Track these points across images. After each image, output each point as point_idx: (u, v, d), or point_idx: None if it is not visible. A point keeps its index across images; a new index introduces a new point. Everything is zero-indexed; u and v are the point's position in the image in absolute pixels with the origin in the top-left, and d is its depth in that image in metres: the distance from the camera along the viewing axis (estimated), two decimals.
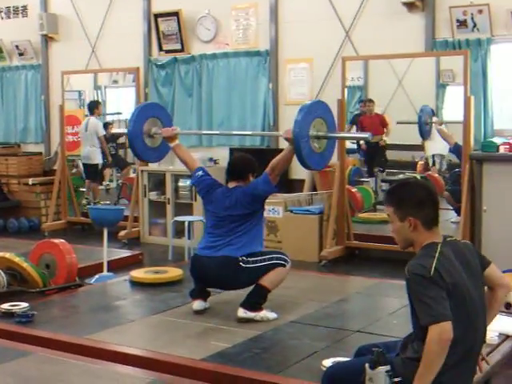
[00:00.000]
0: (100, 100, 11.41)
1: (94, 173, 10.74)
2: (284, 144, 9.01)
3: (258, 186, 5.39)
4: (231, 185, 5.55)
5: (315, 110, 5.24)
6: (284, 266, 5.36)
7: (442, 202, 7.95)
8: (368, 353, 3.27)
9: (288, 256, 5.49)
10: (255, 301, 5.31)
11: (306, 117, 5.11)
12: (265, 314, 5.31)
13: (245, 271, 5.29)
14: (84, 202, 10.64)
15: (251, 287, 5.36)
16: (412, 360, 3.11)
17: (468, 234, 7.30)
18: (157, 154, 6.12)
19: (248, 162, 5.65)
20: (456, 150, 7.99)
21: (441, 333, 2.98)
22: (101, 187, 11.22)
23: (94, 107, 10.59)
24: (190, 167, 5.81)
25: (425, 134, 8.77)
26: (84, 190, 11.03)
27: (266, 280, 5.30)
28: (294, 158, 5.28)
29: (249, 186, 5.47)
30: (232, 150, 9.34)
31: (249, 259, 5.30)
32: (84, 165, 10.75)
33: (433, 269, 3.04)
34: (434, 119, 8.68)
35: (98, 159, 10.60)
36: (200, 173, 5.71)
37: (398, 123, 8.99)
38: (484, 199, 7.27)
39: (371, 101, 9.11)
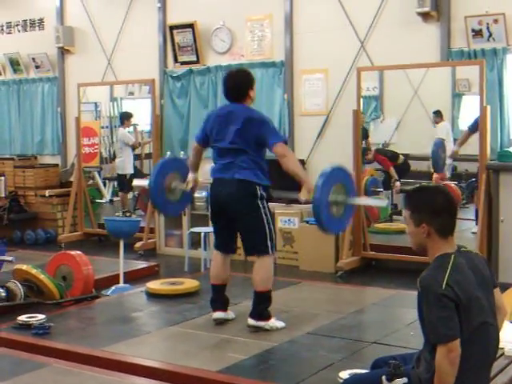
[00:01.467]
0: (116, 111, 11.47)
1: (122, 183, 10.81)
2: (300, 155, 9.06)
3: (265, 137, 5.23)
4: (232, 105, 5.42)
5: (336, 175, 5.24)
6: (267, 252, 5.27)
7: (461, 212, 7.94)
8: (385, 365, 3.24)
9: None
10: (261, 309, 5.32)
11: (327, 182, 5.12)
12: (273, 323, 5.32)
13: (256, 210, 5.24)
14: (119, 213, 10.65)
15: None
16: (427, 373, 3.09)
17: (485, 244, 7.26)
18: (176, 208, 6.11)
19: (245, 78, 5.43)
20: (474, 125, 7.91)
21: (447, 353, 2.98)
22: (117, 199, 11.26)
23: (124, 118, 10.66)
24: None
25: (439, 167, 8.75)
26: (102, 201, 11.08)
27: (259, 283, 5.29)
28: None
29: (258, 121, 5.27)
30: None
31: (265, 204, 5.27)
32: (117, 175, 10.86)
33: (444, 283, 3.02)
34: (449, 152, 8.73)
35: (127, 169, 10.66)
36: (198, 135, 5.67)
37: (409, 159, 8.99)
38: (501, 209, 7.23)
39: None
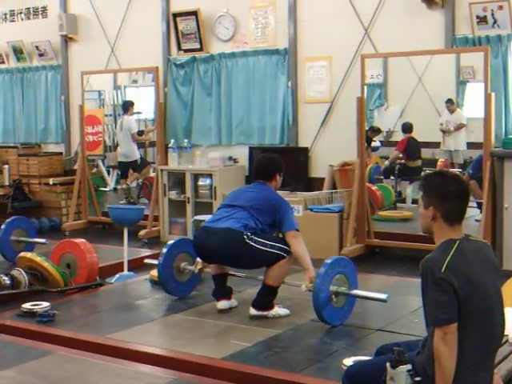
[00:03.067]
0: (120, 100, 11.47)
1: (133, 168, 10.86)
2: (304, 143, 9.04)
3: (281, 220, 5.38)
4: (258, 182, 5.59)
5: (338, 265, 5.22)
6: (284, 256, 5.29)
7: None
8: (389, 352, 3.25)
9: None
10: (265, 300, 5.33)
11: (329, 271, 5.11)
12: (276, 311, 5.33)
13: (247, 249, 5.23)
14: (123, 201, 10.67)
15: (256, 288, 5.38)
16: (430, 358, 3.10)
17: (489, 231, 7.25)
18: (184, 289, 6.08)
19: (275, 162, 5.66)
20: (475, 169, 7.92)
21: (443, 335, 3.01)
22: (121, 187, 11.28)
23: (128, 106, 10.68)
24: None
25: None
26: (106, 189, 11.10)
27: (271, 278, 5.30)
28: None
29: (279, 202, 5.44)
30: (251, 149, 9.34)
31: (253, 237, 5.25)
32: (121, 163, 10.86)
33: (444, 267, 3.03)
34: (443, 120, 8.74)
35: (136, 155, 10.71)
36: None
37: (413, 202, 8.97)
38: (505, 197, 7.22)
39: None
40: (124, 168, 10.89)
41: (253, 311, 5.31)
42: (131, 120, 10.71)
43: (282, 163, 5.68)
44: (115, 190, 11.34)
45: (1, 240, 7.73)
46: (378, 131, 9.48)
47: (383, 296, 5.19)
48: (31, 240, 7.83)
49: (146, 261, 6.69)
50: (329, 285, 5.09)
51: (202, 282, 6.14)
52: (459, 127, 8.98)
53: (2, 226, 7.81)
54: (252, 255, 5.26)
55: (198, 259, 5.78)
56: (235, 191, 5.72)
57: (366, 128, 8.59)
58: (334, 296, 5.11)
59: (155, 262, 6.13)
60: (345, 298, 5.23)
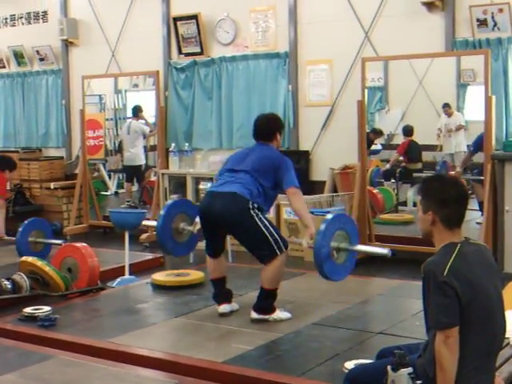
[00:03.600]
0: (121, 103, 11.50)
1: (137, 174, 10.86)
2: (305, 146, 9.05)
3: (281, 176, 5.34)
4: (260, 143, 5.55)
5: (338, 221, 5.25)
6: (276, 253, 5.21)
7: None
8: (390, 355, 3.25)
9: (286, 242, 5.38)
10: (265, 304, 5.32)
11: (329, 227, 5.13)
12: (277, 314, 5.32)
13: (249, 219, 5.19)
14: (125, 205, 10.69)
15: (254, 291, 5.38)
16: (431, 362, 3.10)
17: (490, 234, 7.25)
18: (183, 249, 6.13)
19: (274, 122, 5.64)
20: (476, 145, 7.96)
21: (445, 339, 3.01)
22: (122, 191, 11.31)
23: (138, 110, 10.71)
24: None
25: None
26: (107, 193, 11.11)
27: (267, 281, 5.26)
28: None
29: (279, 160, 5.39)
30: None
31: (258, 212, 5.21)
32: (126, 167, 10.87)
33: (446, 271, 3.03)
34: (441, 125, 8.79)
35: (141, 160, 10.71)
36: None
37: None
38: (506, 199, 7.21)
39: None
40: (129, 172, 10.90)
41: (254, 315, 5.31)
42: (139, 124, 10.75)
43: (281, 122, 5.67)
44: (116, 193, 11.36)
45: (19, 241, 7.84)
46: (379, 133, 9.49)
47: (385, 251, 5.19)
48: (48, 241, 7.89)
49: (144, 222, 6.64)
50: (329, 240, 5.08)
51: (200, 239, 6.02)
52: (459, 128, 8.98)
53: (20, 228, 7.93)
54: (250, 227, 5.19)
55: (197, 219, 5.74)
56: (237, 154, 5.62)
57: (368, 130, 8.62)
58: (335, 252, 5.10)
59: (154, 223, 6.11)
60: (346, 254, 5.23)
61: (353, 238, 5.29)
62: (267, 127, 5.55)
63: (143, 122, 10.76)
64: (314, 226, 5.26)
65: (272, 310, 5.32)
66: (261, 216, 5.24)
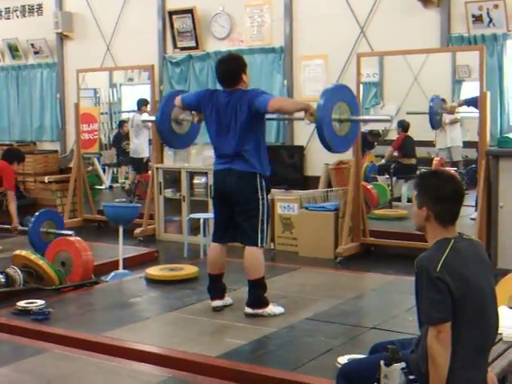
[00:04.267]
0: (116, 98, 11.48)
1: (139, 166, 10.88)
2: (299, 141, 9.04)
3: (255, 104, 5.16)
4: (227, 89, 5.34)
5: (338, 93, 5.23)
6: (256, 244, 5.25)
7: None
8: (383, 350, 3.25)
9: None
10: (256, 296, 5.32)
11: (329, 100, 5.10)
12: (271, 309, 5.32)
13: (253, 201, 5.24)
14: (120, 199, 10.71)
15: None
16: (424, 357, 3.11)
17: (484, 230, 7.27)
18: (184, 141, 6.12)
19: (236, 63, 5.39)
20: (471, 101, 7.97)
21: (437, 334, 3.02)
22: (116, 185, 11.31)
23: (142, 104, 10.67)
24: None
25: (435, 124, 8.76)
26: (102, 187, 11.11)
27: (250, 273, 5.29)
28: None
29: (248, 94, 5.24)
30: None
31: (264, 194, 5.26)
32: (130, 159, 10.92)
33: (439, 266, 3.03)
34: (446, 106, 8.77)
35: (144, 153, 10.72)
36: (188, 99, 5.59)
37: (407, 113, 8.97)
38: (500, 195, 7.22)
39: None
40: (134, 163, 10.93)
41: (248, 310, 5.31)
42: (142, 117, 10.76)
43: (243, 61, 5.41)
44: (111, 188, 11.35)
45: (31, 231, 7.89)
46: (377, 136, 9.50)
47: (387, 116, 5.18)
48: (59, 232, 7.92)
49: (143, 118, 6.48)
50: (330, 113, 5.07)
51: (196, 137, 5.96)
52: (453, 121, 8.97)
53: (32, 218, 8.01)
54: (250, 209, 5.24)
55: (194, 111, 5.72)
56: (218, 106, 5.32)
57: (365, 131, 8.64)
58: (337, 123, 5.11)
59: (153, 118, 6.07)
60: (348, 126, 5.22)
61: (353, 109, 5.26)
62: (230, 71, 5.32)
63: (147, 115, 10.75)
64: (311, 104, 5.23)
65: (265, 303, 5.32)
66: (265, 202, 5.28)
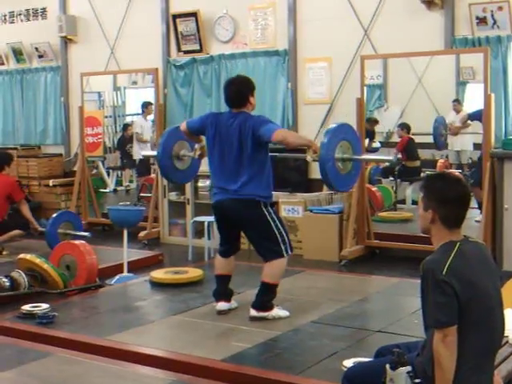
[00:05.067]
0: (120, 101, 11.49)
1: (143, 168, 10.90)
2: None
3: (260, 131, 5.12)
4: (234, 110, 5.32)
5: (341, 132, 5.26)
6: (282, 255, 5.25)
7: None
8: (389, 353, 3.25)
9: (292, 247, 5.42)
10: (264, 299, 5.31)
11: (332, 139, 5.13)
12: (276, 312, 5.31)
13: (261, 218, 5.22)
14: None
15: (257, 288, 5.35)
16: (430, 360, 3.10)
17: (489, 232, 7.25)
18: (185, 176, 6.16)
19: (245, 85, 5.39)
20: (475, 115, 7.96)
21: (443, 337, 3.01)
22: (121, 188, 11.32)
23: (146, 106, 10.71)
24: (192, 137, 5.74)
25: (440, 145, 8.79)
26: (106, 190, 11.13)
27: (268, 275, 5.27)
28: None
29: (255, 121, 5.19)
30: None
31: (269, 209, 5.25)
32: (136, 161, 10.94)
33: (445, 269, 3.02)
34: (449, 122, 8.74)
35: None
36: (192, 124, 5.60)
37: (413, 135, 8.99)
38: (505, 198, 7.21)
39: None
40: (138, 165, 10.96)
41: (253, 312, 5.30)
42: (136, 121, 10.87)
43: (252, 84, 5.38)
44: (115, 191, 11.35)
45: (49, 232, 7.98)
46: (374, 122, 9.45)
47: (390, 157, 5.20)
48: (76, 233, 7.98)
49: (143, 153, 6.56)
50: (333, 152, 5.09)
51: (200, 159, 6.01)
52: (464, 126, 8.94)
53: (50, 220, 8.10)
54: (261, 225, 5.23)
55: (197, 145, 5.78)
56: (223, 128, 5.30)
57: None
58: (339, 163, 5.13)
59: (154, 153, 6.12)
60: (350, 164, 5.24)
61: (356, 148, 5.29)
62: (239, 93, 5.31)
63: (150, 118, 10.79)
64: (314, 142, 5.28)
65: (270, 307, 5.31)
66: (273, 215, 5.28)
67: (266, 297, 5.32)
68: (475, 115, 8.02)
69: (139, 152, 10.74)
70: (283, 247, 5.26)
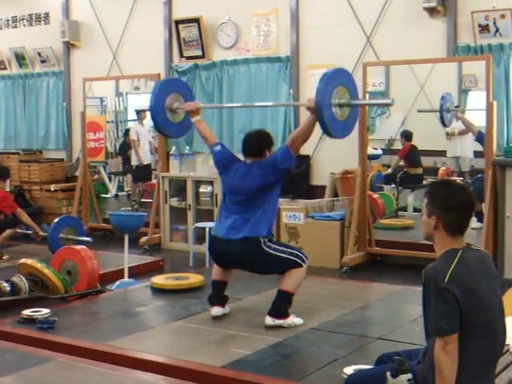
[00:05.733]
0: (122, 106, 11.51)
1: (142, 174, 10.92)
2: (305, 150, 9.02)
3: (277, 158, 5.33)
4: (248, 161, 5.50)
5: (337, 77, 5.22)
6: (301, 265, 5.31)
7: None
8: (389, 361, 3.24)
9: (306, 255, 5.45)
10: (281, 307, 5.30)
11: (328, 84, 5.08)
12: (292, 320, 5.30)
13: (265, 255, 5.26)
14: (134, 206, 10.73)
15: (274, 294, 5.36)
16: (430, 368, 3.09)
17: (491, 240, 7.24)
18: (179, 129, 6.14)
19: (264, 137, 5.59)
20: (480, 138, 7.95)
21: (444, 345, 3.00)
22: (122, 193, 11.32)
23: (137, 114, 10.77)
24: (209, 141, 5.81)
25: (446, 121, 8.75)
26: (107, 196, 11.14)
27: (287, 284, 5.28)
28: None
29: (267, 158, 5.41)
30: None
31: (270, 244, 5.28)
32: (136, 167, 10.94)
33: (447, 277, 3.02)
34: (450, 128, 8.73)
35: (147, 160, 10.81)
36: (218, 147, 5.69)
37: (418, 111, 8.94)
38: (507, 205, 7.20)
39: None
40: (136, 172, 10.98)
41: (269, 320, 5.27)
42: (131, 127, 10.91)
43: (270, 138, 5.62)
44: (117, 196, 11.36)
45: (50, 237, 7.97)
46: None
47: (387, 100, 5.14)
48: (77, 238, 7.98)
49: (137, 108, 6.44)
50: (330, 98, 5.05)
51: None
52: (464, 132, 8.94)
53: (52, 225, 8.09)
54: (270, 259, 5.27)
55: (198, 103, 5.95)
56: (234, 178, 5.48)
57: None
58: (337, 109, 5.10)
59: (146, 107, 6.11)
60: (348, 110, 5.20)
61: (352, 92, 5.24)
62: (256, 144, 5.52)
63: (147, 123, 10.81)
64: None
65: (287, 315, 5.31)
66: (274, 246, 5.32)
67: (283, 305, 5.31)
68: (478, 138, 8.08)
69: (136, 159, 10.77)
70: (298, 260, 5.31)
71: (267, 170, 5.33)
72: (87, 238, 7.91)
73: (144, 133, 10.69)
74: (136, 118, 10.90)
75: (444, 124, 8.80)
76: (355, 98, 5.30)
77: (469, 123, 8.55)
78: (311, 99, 5.13)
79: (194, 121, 5.90)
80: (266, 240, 5.28)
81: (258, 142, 5.53)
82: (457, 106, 8.89)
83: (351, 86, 5.29)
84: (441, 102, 8.64)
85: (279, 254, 5.29)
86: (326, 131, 5.12)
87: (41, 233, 8.52)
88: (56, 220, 8.20)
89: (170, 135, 6.15)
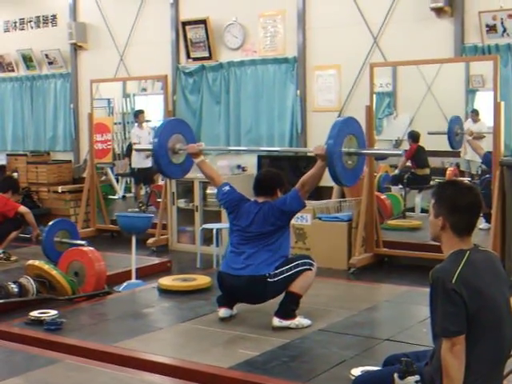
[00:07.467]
0: (129, 108, 11.51)
1: (144, 176, 10.90)
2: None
3: (287, 202, 5.39)
4: (259, 200, 5.54)
5: (347, 126, 5.28)
6: (310, 269, 5.33)
7: None
8: (397, 362, 3.23)
9: (313, 258, 5.48)
10: (288, 308, 5.30)
11: (339, 133, 5.14)
12: (299, 321, 5.30)
13: (273, 285, 5.28)
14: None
15: (282, 295, 5.36)
16: (438, 369, 3.08)
17: (499, 241, 7.21)
18: (181, 170, 6.15)
19: (276, 178, 5.64)
20: (487, 159, 7.92)
21: (451, 346, 2.98)
22: (130, 195, 11.32)
23: (135, 117, 10.77)
24: (216, 183, 5.85)
25: (455, 144, 8.74)
26: (115, 197, 11.14)
27: (296, 286, 5.28)
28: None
29: (277, 200, 5.46)
30: (260, 158, 9.33)
31: (276, 272, 5.28)
32: (137, 170, 10.92)
33: (455, 278, 3.00)
34: (465, 129, 8.66)
35: (148, 163, 10.70)
36: (227, 188, 5.71)
37: (428, 133, 8.94)
38: None
39: None
40: (138, 175, 10.97)
41: (276, 322, 5.27)
42: (133, 132, 10.88)
43: (283, 179, 5.67)
44: (124, 197, 11.37)
45: (45, 241, 7.95)
46: None
47: (398, 151, 5.18)
48: (72, 241, 7.96)
49: (137, 147, 6.48)
50: (341, 146, 5.10)
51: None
52: (478, 137, 8.89)
53: (46, 228, 8.05)
54: (277, 286, 5.29)
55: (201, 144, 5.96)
56: (246, 218, 5.51)
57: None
58: (346, 157, 5.15)
59: (150, 146, 6.13)
60: (356, 159, 5.25)
61: (361, 142, 5.31)
62: (269, 184, 5.57)
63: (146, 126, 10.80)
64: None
65: (294, 316, 5.31)
66: (279, 271, 5.29)
67: (290, 306, 5.32)
68: (485, 161, 8.11)
69: (137, 161, 10.75)
70: (305, 266, 5.33)
71: (278, 214, 5.37)
72: (81, 242, 7.85)
73: (144, 136, 10.65)
74: (134, 121, 10.87)
75: (452, 147, 8.78)
76: (363, 147, 5.36)
77: (476, 146, 8.52)
78: (319, 147, 5.18)
79: (198, 162, 5.91)
80: (270, 274, 5.27)
81: (270, 181, 5.59)
82: (473, 111, 8.84)
83: (360, 134, 5.35)
84: (449, 125, 8.62)
85: (285, 275, 5.28)
86: (336, 180, 5.19)
87: (39, 234, 8.48)
88: (50, 223, 8.14)
89: (173, 177, 6.16)
